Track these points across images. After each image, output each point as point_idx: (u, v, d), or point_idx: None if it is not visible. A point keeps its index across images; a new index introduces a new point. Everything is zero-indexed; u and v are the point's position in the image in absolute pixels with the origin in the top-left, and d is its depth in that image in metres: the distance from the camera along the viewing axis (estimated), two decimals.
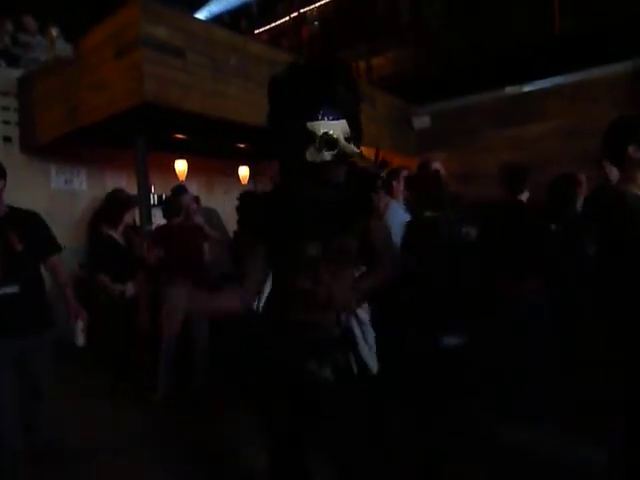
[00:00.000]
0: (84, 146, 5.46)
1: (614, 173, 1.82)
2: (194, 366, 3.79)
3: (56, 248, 2.69)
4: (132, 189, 4.77)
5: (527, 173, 3.22)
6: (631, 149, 1.69)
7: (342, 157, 1.34)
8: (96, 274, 3.84)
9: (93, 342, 4.30)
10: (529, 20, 6.19)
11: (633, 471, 1.63)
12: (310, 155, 1.33)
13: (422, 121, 7.25)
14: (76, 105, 4.34)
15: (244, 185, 7.30)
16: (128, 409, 3.43)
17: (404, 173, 3.58)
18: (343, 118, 1.36)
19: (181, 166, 6.29)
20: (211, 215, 5.43)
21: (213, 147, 6.23)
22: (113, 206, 4.07)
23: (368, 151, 6.82)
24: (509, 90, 6.53)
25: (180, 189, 4.06)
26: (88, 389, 3.79)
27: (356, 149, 1.36)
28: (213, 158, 6.91)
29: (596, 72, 5.81)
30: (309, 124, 1.32)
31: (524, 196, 3.21)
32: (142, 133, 4.39)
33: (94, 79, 4.13)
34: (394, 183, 3.49)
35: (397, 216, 3.29)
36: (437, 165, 3.62)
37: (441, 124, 7.07)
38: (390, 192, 3.51)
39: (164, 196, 6.34)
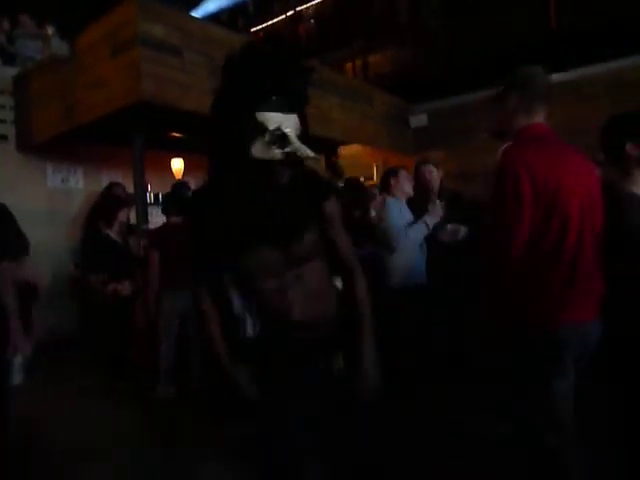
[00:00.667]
0: (81, 144, 5.44)
1: (611, 171, 1.83)
2: (192, 367, 3.78)
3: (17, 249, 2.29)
4: (129, 187, 4.76)
5: None
6: (629, 146, 1.69)
7: (293, 158, 1.17)
8: (88, 274, 3.83)
9: (90, 342, 4.32)
10: (527, 18, 6.20)
11: None
12: (257, 150, 1.17)
13: (419, 120, 7.26)
14: (72, 104, 4.32)
15: None
16: (126, 408, 3.42)
17: (403, 172, 3.58)
18: (294, 112, 1.19)
19: (178, 165, 6.28)
20: None
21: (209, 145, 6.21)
22: (108, 203, 4.05)
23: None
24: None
25: (181, 186, 4.01)
26: (84, 389, 3.78)
27: (310, 151, 1.19)
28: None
29: (594, 70, 5.83)
30: (259, 114, 1.15)
31: None
32: (139, 132, 4.38)
33: (91, 77, 4.11)
34: (392, 181, 3.50)
35: (394, 213, 3.36)
36: (430, 167, 3.70)
37: (438, 123, 7.08)
38: (388, 189, 3.52)
39: (160, 194, 6.34)
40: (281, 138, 1.15)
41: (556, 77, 6.16)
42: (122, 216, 4.05)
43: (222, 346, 1.38)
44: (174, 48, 3.94)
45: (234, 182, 1.28)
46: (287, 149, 1.16)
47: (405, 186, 3.51)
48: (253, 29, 9.55)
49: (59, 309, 4.89)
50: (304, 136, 1.21)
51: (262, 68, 1.16)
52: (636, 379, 1.64)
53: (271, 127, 1.15)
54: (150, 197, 5.84)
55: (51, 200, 5.46)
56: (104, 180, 5.85)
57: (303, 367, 1.36)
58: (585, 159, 1.65)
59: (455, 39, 6.80)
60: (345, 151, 7.23)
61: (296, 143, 1.16)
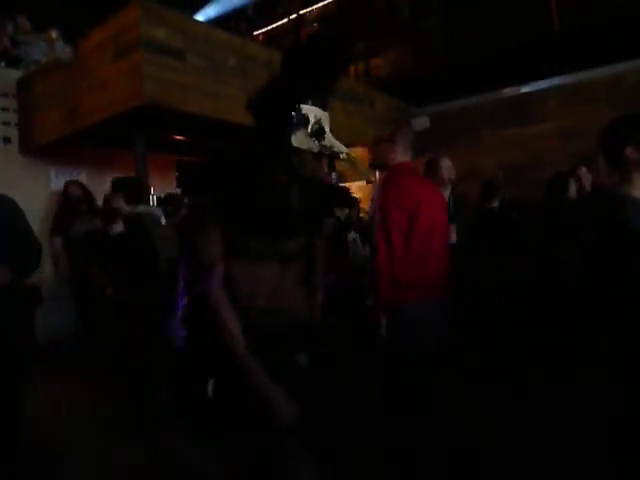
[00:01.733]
0: (84, 147, 5.47)
1: (611, 174, 1.83)
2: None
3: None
4: None
5: (497, 187, 4.11)
6: (628, 150, 1.68)
7: (329, 153, 1.25)
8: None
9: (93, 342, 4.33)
10: (528, 20, 6.21)
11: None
12: (297, 140, 1.22)
13: (421, 122, 7.27)
14: (75, 106, 4.35)
15: None
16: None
17: (445, 161, 3.46)
18: (326, 111, 1.28)
19: None
20: None
21: (211, 148, 6.23)
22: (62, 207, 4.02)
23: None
24: (507, 91, 6.55)
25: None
26: (85, 387, 3.79)
27: (344, 148, 1.28)
28: None
29: (595, 73, 5.84)
30: (305, 107, 1.22)
31: (495, 203, 4.07)
32: (142, 134, 4.40)
33: (94, 80, 4.14)
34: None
35: None
36: (446, 161, 3.55)
37: (440, 125, 7.09)
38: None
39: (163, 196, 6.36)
40: (320, 132, 1.22)
41: (556, 80, 6.19)
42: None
43: (242, 338, 1.32)
44: (177, 51, 3.96)
45: (268, 167, 1.32)
46: (324, 143, 1.22)
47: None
48: (255, 32, 9.58)
49: (60, 310, 4.91)
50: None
51: (322, 65, 1.25)
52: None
53: (313, 120, 1.22)
54: (153, 200, 5.86)
55: (54, 202, 5.48)
56: (107, 183, 5.86)
57: (271, 352, 1.35)
58: (433, 186, 2.53)
59: (455, 40, 6.81)
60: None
61: (332, 139, 1.24)
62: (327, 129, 1.25)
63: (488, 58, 6.30)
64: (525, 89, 6.44)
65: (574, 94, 5.93)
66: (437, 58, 6.98)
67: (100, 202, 4.63)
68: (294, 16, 9.17)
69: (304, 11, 9.06)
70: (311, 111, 1.23)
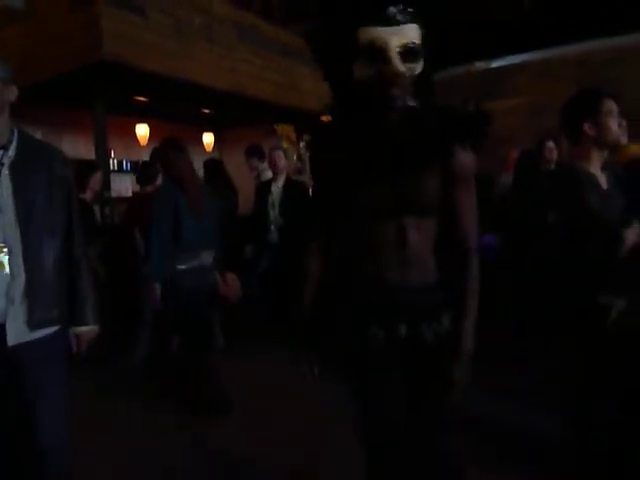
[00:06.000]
0: (39, 105, 5.18)
1: (571, 151, 1.85)
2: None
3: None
4: (90, 153, 4.59)
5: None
6: (586, 126, 1.70)
7: (387, 76, 1.00)
8: None
9: None
10: None
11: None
12: (355, 72, 1.04)
13: None
14: (28, 59, 4.09)
15: (209, 153, 7.13)
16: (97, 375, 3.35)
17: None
18: (409, 23, 1.01)
19: (142, 131, 6.08)
20: None
21: (176, 112, 6.04)
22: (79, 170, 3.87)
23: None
24: (478, 65, 6.55)
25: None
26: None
27: (402, 66, 1.01)
28: (176, 123, 6.70)
29: (563, 50, 5.89)
30: (362, 30, 1.00)
31: None
32: (101, 94, 4.20)
33: (47, 33, 3.89)
34: None
35: None
36: None
37: None
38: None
39: (125, 161, 6.14)
40: (376, 53, 0.99)
41: (526, 56, 6.22)
42: (94, 183, 3.89)
43: (311, 288, 1.31)
44: (138, 6, 3.76)
45: (349, 110, 1.14)
46: (380, 66, 0.99)
47: None
48: None
49: None
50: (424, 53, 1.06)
51: None
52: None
53: (368, 42, 1.00)
54: (113, 164, 5.66)
55: None
56: (65, 145, 5.61)
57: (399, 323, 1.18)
58: None
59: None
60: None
61: (394, 59, 0.99)
62: (391, 47, 1.00)
63: (459, 32, 6.24)
64: (495, 64, 6.45)
65: (543, 70, 5.98)
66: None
67: None
68: None
69: None
70: (372, 33, 1.00)
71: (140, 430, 2.59)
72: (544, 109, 5.61)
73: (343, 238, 1.26)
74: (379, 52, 1.00)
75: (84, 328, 1.55)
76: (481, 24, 6.02)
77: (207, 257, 2.89)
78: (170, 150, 2.92)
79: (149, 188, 3.69)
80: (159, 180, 3.60)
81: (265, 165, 4.45)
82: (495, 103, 6.27)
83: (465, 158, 1.13)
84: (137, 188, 3.91)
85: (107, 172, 4.36)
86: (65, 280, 1.51)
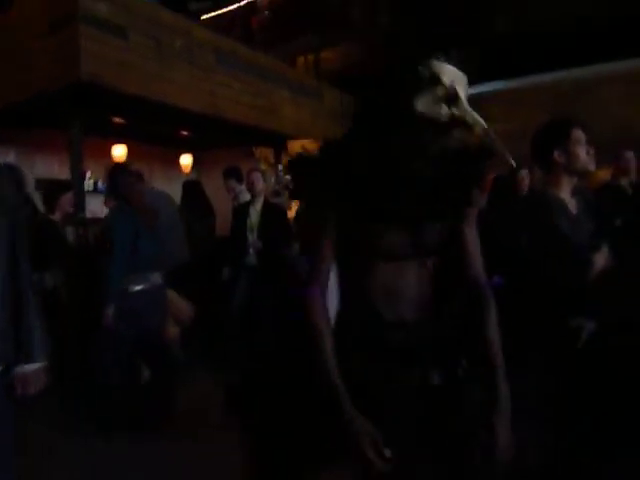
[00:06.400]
0: (13, 127, 5.10)
1: (541, 177, 1.92)
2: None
3: None
4: (65, 174, 4.52)
5: None
6: (556, 153, 1.76)
7: (460, 122, 1.01)
8: None
9: None
10: (473, 25, 6.41)
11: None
12: (422, 105, 1.00)
13: None
14: (3, 80, 4.04)
15: (187, 174, 7.10)
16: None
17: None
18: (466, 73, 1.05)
19: (119, 152, 6.02)
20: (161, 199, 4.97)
21: (155, 133, 6.03)
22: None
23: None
24: None
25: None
26: None
27: (481, 120, 1.01)
28: (154, 145, 6.68)
29: (537, 79, 6.12)
30: (435, 63, 1.02)
31: None
32: (77, 115, 4.16)
33: (24, 53, 3.86)
34: None
35: None
36: None
37: None
38: None
39: (101, 182, 6.06)
40: (452, 97, 1.00)
41: (500, 84, 6.44)
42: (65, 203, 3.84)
43: (329, 345, 1.09)
44: (119, 28, 3.77)
45: (385, 136, 1.08)
46: (456, 111, 1.00)
47: None
48: (204, 16, 9.31)
49: None
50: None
51: (452, 9, 1.01)
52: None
53: (445, 81, 1.00)
54: (89, 185, 5.58)
55: None
56: (38, 166, 5.52)
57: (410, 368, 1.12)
58: None
59: (406, 38, 6.93)
60: (294, 146, 7.20)
61: (467, 106, 1.01)
62: (463, 94, 1.02)
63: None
64: (470, 91, 6.64)
65: (517, 98, 6.18)
66: (387, 56, 7.06)
67: (31, 188, 4.30)
68: (245, 2, 8.99)
69: None
70: (444, 70, 1.01)
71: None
72: (518, 136, 5.79)
73: (352, 279, 1.17)
74: (454, 96, 1.02)
75: (30, 366, 1.42)
76: (456, 53, 6.23)
77: (157, 278, 2.98)
78: (119, 175, 2.98)
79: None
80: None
81: (243, 187, 4.46)
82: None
83: (478, 198, 1.15)
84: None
85: (82, 193, 4.29)
86: (8, 315, 1.39)
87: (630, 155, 3.66)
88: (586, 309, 1.62)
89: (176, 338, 3.71)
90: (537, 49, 5.74)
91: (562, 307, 1.64)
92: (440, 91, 1.01)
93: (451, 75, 1.02)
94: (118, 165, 2.98)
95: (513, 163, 1.06)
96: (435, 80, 1.01)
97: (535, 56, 5.78)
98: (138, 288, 2.85)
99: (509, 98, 6.30)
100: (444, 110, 1.01)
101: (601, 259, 1.66)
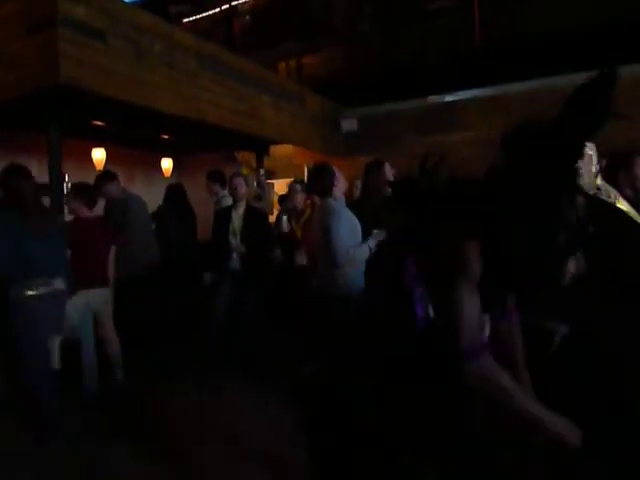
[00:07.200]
0: None
1: None
2: (110, 368, 3.67)
3: None
4: (44, 177, 4.45)
5: None
6: None
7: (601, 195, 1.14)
8: None
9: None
10: (453, 34, 6.53)
11: None
12: (586, 183, 1.10)
13: (350, 124, 7.40)
14: None
15: (167, 178, 7.06)
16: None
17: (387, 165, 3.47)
18: None
19: (99, 155, 5.97)
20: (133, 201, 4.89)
21: (135, 136, 5.98)
22: None
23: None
24: (431, 99, 6.85)
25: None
26: None
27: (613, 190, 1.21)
28: (135, 148, 6.63)
29: (510, 88, 6.25)
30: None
31: None
32: (56, 118, 4.11)
33: (3, 55, 3.80)
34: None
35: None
36: (387, 166, 3.61)
37: (368, 128, 7.26)
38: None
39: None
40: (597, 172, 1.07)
41: (476, 92, 6.56)
42: None
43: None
44: (97, 32, 3.74)
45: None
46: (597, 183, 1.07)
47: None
48: (185, 20, 9.29)
49: None
50: None
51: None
52: None
53: (595, 159, 1.08)
54: (67, 187, 5.50)
55: None
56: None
57: None
58: None
59: (386, 47, 7.02)
60: (277, 151, 7.22)
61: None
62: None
63: (415, 66, 6.55)
64: (448, 98, 6.77)
65: (491, 106, 6.30)
66: (368, 63, 7.14)
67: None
68: (226, 7, 8.99)
69: (236, 2, 8.91)
70: (592, 149, 1.10)
71: None
72: (493, 143, 5.90)
73: None
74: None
75: None
76: (436, 58, 6.35)
77: (59, 283, 2.93)
78: (11, 177, 2.94)
79: (86, 212, 3.69)
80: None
81: (225, 192, 4.46)
82: (448, 136, 6.56)
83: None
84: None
85: (61, 195, 4.24)
86: None
87: (602, 163, 3.77)
88: (559, 313, 1.67)
89: (116, 354, 3.70)
90: (513, 59, 5.88)
91: (535, 311, 1.69)
92: (595, 168, 1.11)
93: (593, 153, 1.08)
94: (13, 167, 2.89)
95: None
96: (590, 159, 1.09)
97: (511, 65, 5.91)
98: (31, 293, 2.78)
99: (484, 105, 6.42)
100: (594, 183, 1.08)
101: (576, 265, 1.71)
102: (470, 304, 1.11)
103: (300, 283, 3.77)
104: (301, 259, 4.06)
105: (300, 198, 4.24)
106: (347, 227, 2.99)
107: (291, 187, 4.43)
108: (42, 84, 3.57)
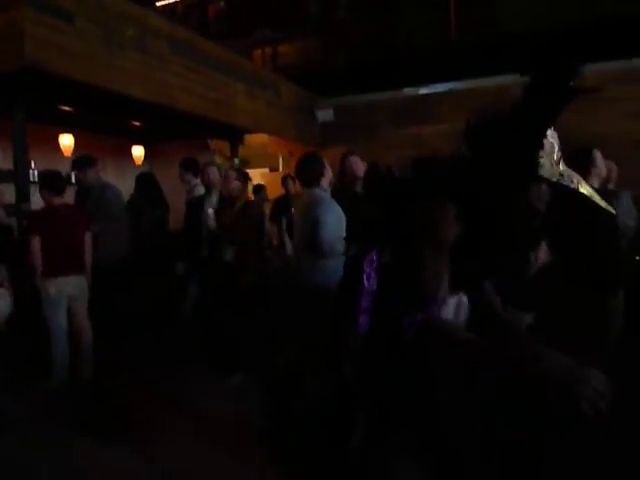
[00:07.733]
0: None
1: None
2: (81, 357, 3.62)
3: None
4: (8, 164, 4.31)
5: None
6: None
7: (566, 182, 1.10)
8: None
9: None
10: (429, 27, 6.55)
11: None
12: (544, 169, 1.07)
13: (325, 114, 7.38)
14: None
15: (138, 166, 6.92)
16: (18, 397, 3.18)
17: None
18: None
19: (67, 141, 5.80)
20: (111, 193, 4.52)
21: (104, 123, 5.83)
22: None
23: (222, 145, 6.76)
24: (407, 91, 6.88)
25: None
26: None
27: (581, 179, 1.13)
28: (104, 134, 6.46)
29: (484, 82, 6.32)
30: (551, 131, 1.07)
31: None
32: (22, 102, 3.97)
33: None
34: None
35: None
36: (355, 158, 3.55)
37: (344, 118, 7.25)
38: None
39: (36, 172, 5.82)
40: (560, 159, 1.08)
41: (450, 85, 6.63)
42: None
43: None
44: (66, 13, 3.62)
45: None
46: (562, 170, 1.08)
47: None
48: (159, 3, 9.06)
49: None
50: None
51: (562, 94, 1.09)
52: None
53: (557, 147, 1.08)
54: (33, 175, 5.34)
55: None
56: None
57: None
58: None
59: (362, 37, 7.00)
60: (251, 140, 7.15)
61: (565, 167, 1.07)
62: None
63: (391, 58, 6.56)
64: (423, 91, 6.81)
65: (465, 99, 6.37)
66: (344, 52, 7.12)
67: None
68: None
69: None
70: (553, 137, 1.09)
71: None
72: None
73: None
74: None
75: None
76: (411, 51, 6.37)
77: None
78: None
79: (57, 200, 3.58)
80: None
81: (198, 181, 4.39)
82: (423, 128, 6.62)
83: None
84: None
85: (26, 183, 4.10)
86: None
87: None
88: (524, 302, 1.72)
89: (88, 343, 3.65)
90: (488, 54, 5.94)
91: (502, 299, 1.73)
92: (556, 156, 1.08)
93: (556, 140, 1.08)
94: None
95: None
96: (551, 147, 1.08)
97: (485, 60, 5.98)
98: None
99: (458, 99, 6.49)
100: (556, 171, 1.08)
101: (541, 254, 1.76)
102: (432, 261, 1.09)
103: (230, 281, 3.63)
104: (229, 255, 3.77)
105: (235, 185, 3.94)
106: (335, 217, 2.97)
107: (226, 173, 4.09)
108: (6, 66, 3.44)
